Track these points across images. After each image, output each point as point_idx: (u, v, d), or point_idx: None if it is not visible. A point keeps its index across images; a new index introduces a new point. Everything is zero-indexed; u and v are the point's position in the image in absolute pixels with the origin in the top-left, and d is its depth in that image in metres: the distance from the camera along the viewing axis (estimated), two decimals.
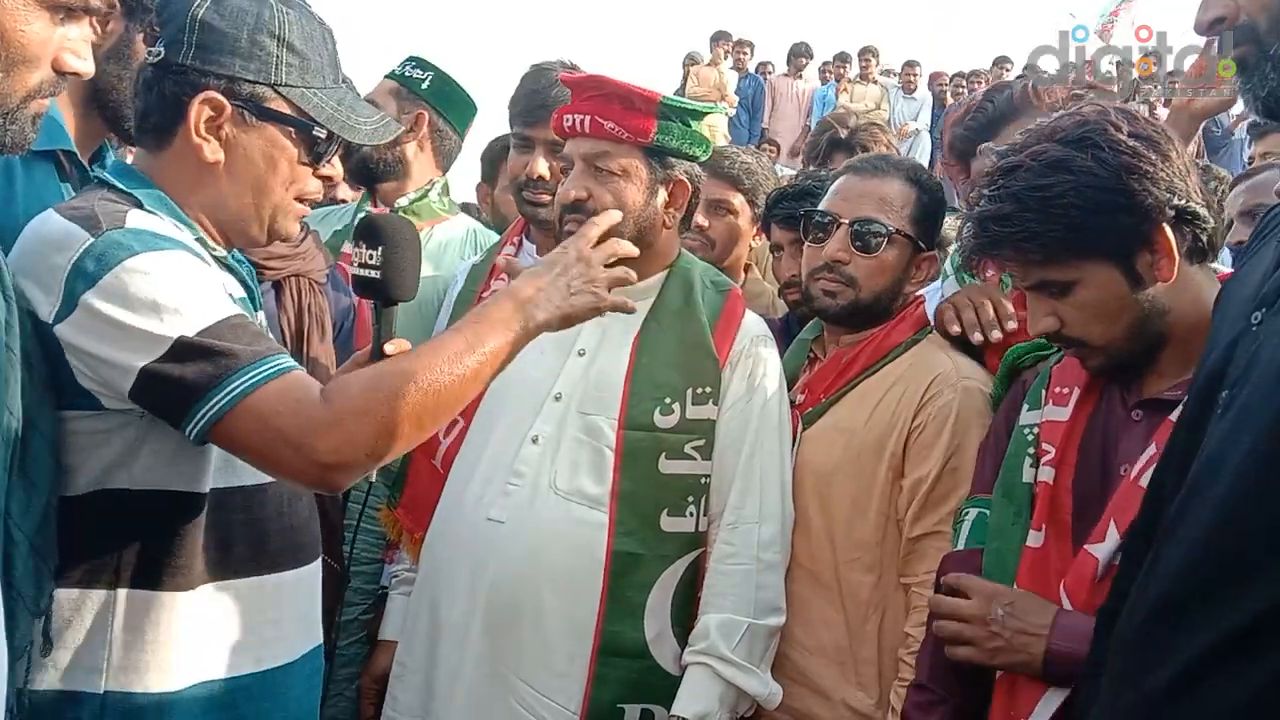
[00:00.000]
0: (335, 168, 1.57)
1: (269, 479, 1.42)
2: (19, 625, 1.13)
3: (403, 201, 2.54)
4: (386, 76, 2.61)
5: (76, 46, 1.15)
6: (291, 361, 1.32)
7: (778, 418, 1.89)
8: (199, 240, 1.42)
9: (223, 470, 1.40)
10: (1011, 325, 1.87)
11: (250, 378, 1.25)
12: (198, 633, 1.38)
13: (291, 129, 1.43)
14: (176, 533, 1.35)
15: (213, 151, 1.40)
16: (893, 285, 1.94)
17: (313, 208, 1.66)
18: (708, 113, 2.02)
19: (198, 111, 1.38)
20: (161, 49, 1.38)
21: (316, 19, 1.50)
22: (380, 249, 1.60)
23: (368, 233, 1.63)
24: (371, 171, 2.55)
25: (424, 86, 2.56)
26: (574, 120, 1.88)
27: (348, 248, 2.49)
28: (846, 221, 1.91)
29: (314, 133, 1.44)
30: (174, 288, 1.29)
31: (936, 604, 1.60)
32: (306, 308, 2.10)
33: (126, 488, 1.34)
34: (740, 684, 1.75)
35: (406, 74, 2.58)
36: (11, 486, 1.11)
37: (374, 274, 1.60)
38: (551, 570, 1.75)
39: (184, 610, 1.36)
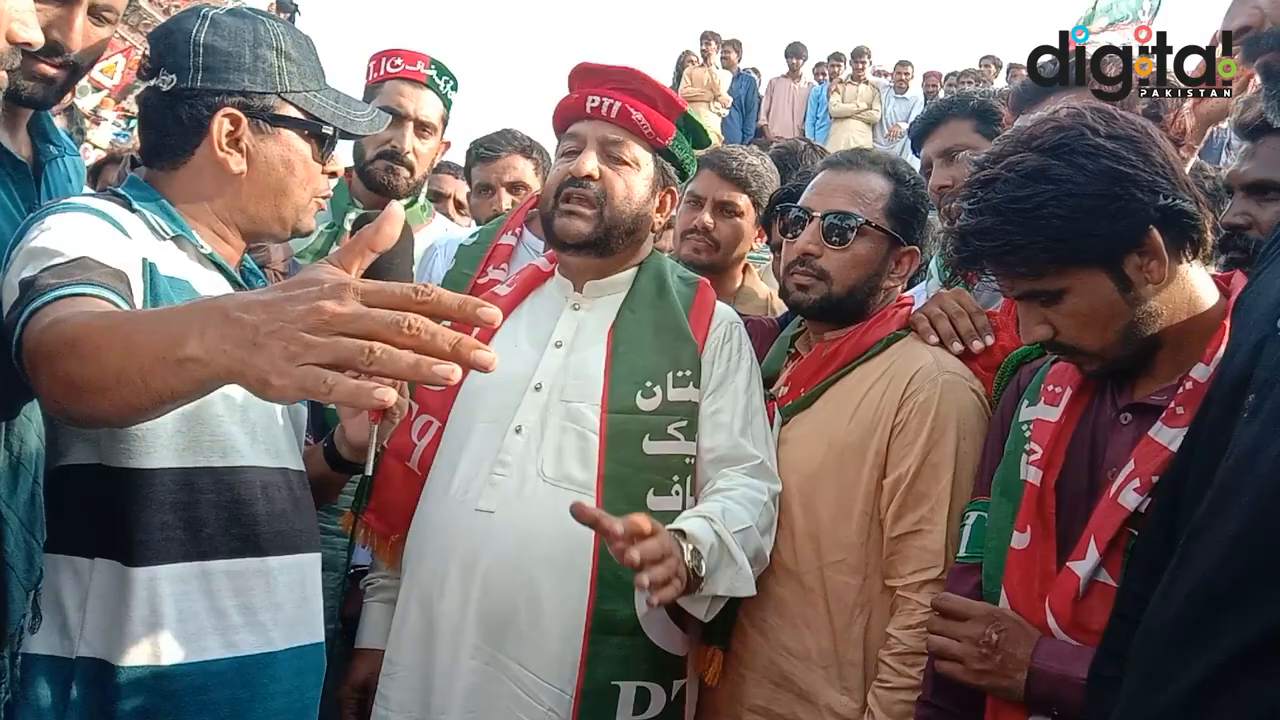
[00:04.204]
0: (338, 163, 1.66)
1: (241, 460, 1.43)
2: (14, 599, 1.14)
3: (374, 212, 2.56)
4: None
5: (24, 16, 1.16)
6: (89, 289, 1.21)
7: (760, 399, 1.93)
8: (179, 239, 1.46)
9: (188, 450, 1.39)
10: (989, 340, 1.87)
11: (39, 300, 1.17)
12: (162, 610, 1.35)
13: (304, 130, 1.53)
14: (127, 509, 1.34)
15: (237, 163, 1.49)
16: (867, 279, 1.92)
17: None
18: (706, 144, 2.09)
19: (219, 127, 1.47)
20: (173, 77, 1.46)
21: (297, 30, 1.59)
22: None
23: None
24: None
25: None
26: (602, 103, 1.90)
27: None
28: (818, 214, 1.91)
29: (323, 131, 1.54)
30: (55, 239, 1.29)
31: (935, 625, 1.57)
32: None
33: (65, 463, 1.35)
34: (734, 554, 1.67)
35: None
36: None
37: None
38: (543, 555, 1.75)
39: (146, 586, 1.34)
